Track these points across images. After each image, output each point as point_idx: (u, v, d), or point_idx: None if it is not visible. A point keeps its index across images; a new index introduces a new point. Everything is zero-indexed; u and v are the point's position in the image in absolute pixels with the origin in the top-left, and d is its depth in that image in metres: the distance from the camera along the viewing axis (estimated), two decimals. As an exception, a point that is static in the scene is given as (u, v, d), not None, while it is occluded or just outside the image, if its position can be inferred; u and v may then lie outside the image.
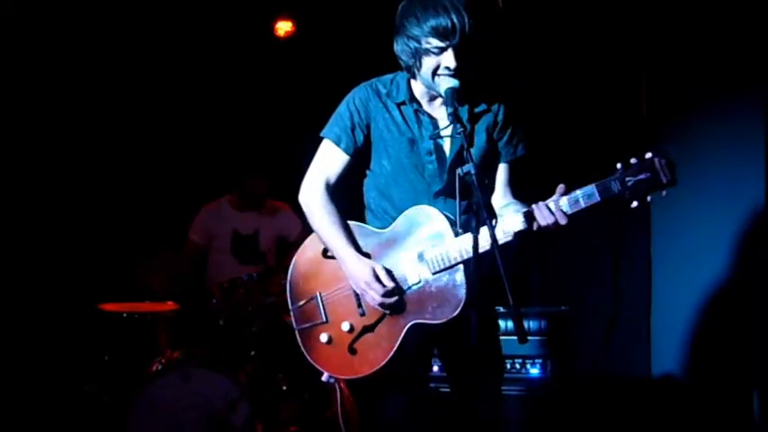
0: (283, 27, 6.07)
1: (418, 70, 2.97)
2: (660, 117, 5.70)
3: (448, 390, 3.26)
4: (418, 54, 2.92)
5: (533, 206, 2.86)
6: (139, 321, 4.94)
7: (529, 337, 4.63)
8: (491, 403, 3.15)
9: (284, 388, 4.75)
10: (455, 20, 2.84)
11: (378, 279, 2.99)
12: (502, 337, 3.35)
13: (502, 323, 4.60)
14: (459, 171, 2.77)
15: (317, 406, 4.73)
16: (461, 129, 2.81)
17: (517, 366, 4.70)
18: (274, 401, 4.70)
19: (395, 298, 3.00)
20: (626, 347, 5.71)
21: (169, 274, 5.24)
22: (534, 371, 4.71)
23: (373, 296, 3.00)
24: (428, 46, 2.88)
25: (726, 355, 5.05)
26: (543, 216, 2.82)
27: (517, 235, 2.86)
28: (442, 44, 2.87)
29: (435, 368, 3.90)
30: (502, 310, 4.57)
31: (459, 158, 2.96)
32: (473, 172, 2.69)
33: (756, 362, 4.81)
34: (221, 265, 5.39)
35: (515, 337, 2.60)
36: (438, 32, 2.85)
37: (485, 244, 2.76)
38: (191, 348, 4.78)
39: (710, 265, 5.26)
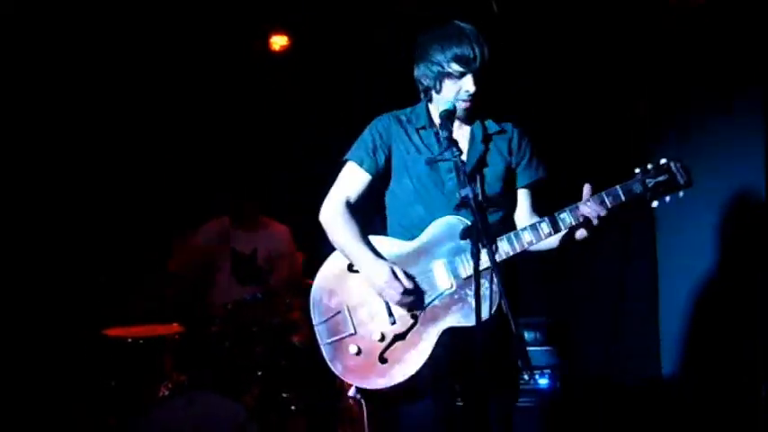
0: (278, 41, 6.04)
1: (438, 92, 3.18)
2: (659, 116, 5.68)
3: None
4: (440, 77, 3.15)
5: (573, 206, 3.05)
6: (144, 346, 4.90)
7: (537, 348, 4.71)
8: (503, 419, 3.19)
9: (292, 408, 4.73)
10: (476, 49, 3.09)
11: (396, 278, 3.05)
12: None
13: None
14: (457, 194, 2.89)
15: (325, 424, 4.72)
16: (458, 153, 2.95)
17: (526, 378, 4.68)
18: (283, 422, 4.69)
19: (413, 297, 3.07)
20: (635, 348, 5.69)
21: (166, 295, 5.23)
22: (543, 381, 4.70)
23: (392, 294, 3.06)
24: (450, 70, 3.11)
25: (735, 352, 5.03)
26: (587, 210, 3.02)
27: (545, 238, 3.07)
28: (463, 69, 3.10)
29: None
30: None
31: (473, 175, 3.14)
32: (470, 196, 2.80)
33: (766, 358, 4.78)
34: (223, 286, 5.36)
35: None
36: (460, 59, 3.09)
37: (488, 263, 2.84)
38: (196, 371, 4.77)
39: (717, 263, 5.25)
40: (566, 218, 3.05)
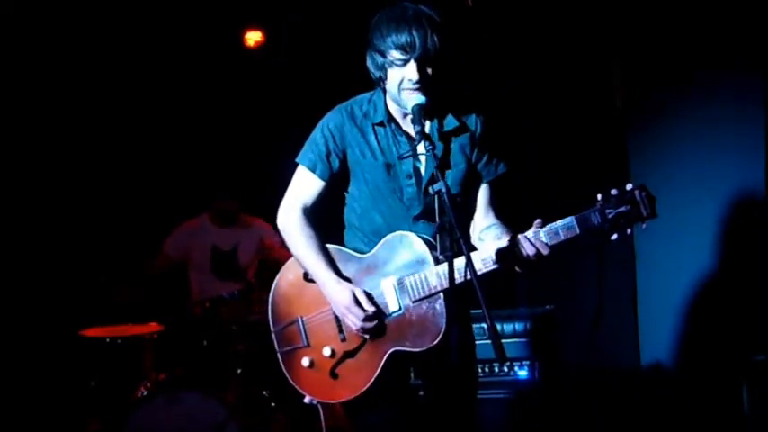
0: (253, 37, 6.01)
1: (384, 83, 2.98)
2: (636, 107, 5.69)
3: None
4: (384, 67, 2.93)
5: (510, 241, 2.83)
6: (122, 345, 4.89)
7: (516, 339, 4.71)
8: (465, 415, 3.10)
9: (273, 405, 4.72)
10: (415, 34, 2.85)
11: (358, 303, 2.97)
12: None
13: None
14: (430, 190, 2.76)
15: (306, 421, 4.71)
16: (430, 146, 2.80)
17: (505, 369, 4.67)
18: (263, 419, 4.68)
19: (374, 323, 2.98)
20: (614, 339, 5.70)
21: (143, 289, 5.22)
22: (522, 373, 4.68)
23: (353, 321, 2.98)
24: (392, 58, 2.90)
25: (714, 341, 5.06)
26: (524, 248, 2.81)
27: (495, 269, 2.86)
28: (403, 57, 2.88)
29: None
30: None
31: (433, 178, 2.92)
32: (444, 190, 2.67)
33: (745, 348, 4.81)
34: (201, 283, 5.37)
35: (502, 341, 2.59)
36: (399, 46, 2.87)
37: (462, 272, 2.76)
38: (176, 370, 4.75)
39: (694, 253, 5.27)
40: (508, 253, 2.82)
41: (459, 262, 2.78)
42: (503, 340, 2.61)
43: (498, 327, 4.67)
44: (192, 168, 5.89)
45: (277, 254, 5.19)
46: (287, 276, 3.21)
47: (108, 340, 4.91)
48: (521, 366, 4.68)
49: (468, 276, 2.59)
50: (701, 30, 5.09)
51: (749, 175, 4.92)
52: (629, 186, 2.73)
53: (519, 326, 4.72)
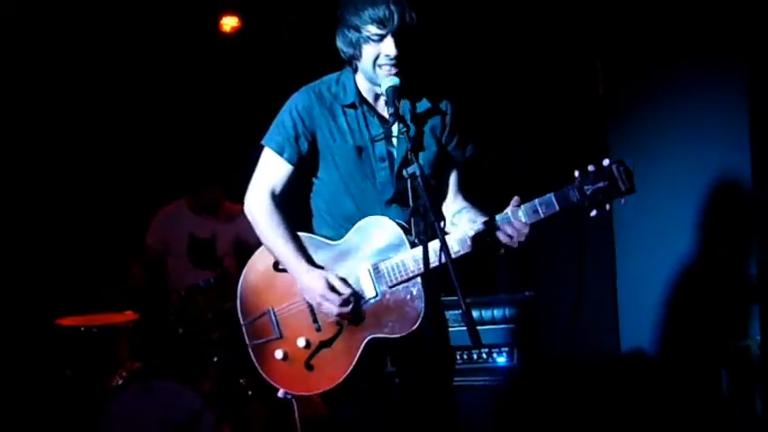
0: (229, 23, 5.96)
1: (359, 60, 2.91)
2: (618, 95, 5.67)
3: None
4: (359, 43, 2.86)
5: (487, 222, 2.79)
6: (98, 334, 4.85)
7: (495, 326, 4.69)
8: (443, 402, 3.06)
9: (249, 393, 4.69)
10: (392, 8, 2.79)
11: (332, 289, 2.90)
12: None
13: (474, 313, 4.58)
14: (404, 173, 2.71)
15: (283, 409, 4.68)
16: (405, 129, 2.76)
17: (484, 356, 4.65)
18: (240, 407, 4.65)
19: (351, 306, 2.90)
20: (594, 326, 5.70)
21: (125, 287, 5.16)
22: (501, 359, 4.67)
23: (330, 308, 2.90)
24: (368, 34, 2.82)
25: (694, 328, 5.06)
26: (502, 228, 2.78)
27: (471, 250, 2.82)
28: (380, 31, 2.81)
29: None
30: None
31: (406, 160, 2.84)
32: (418, 173, 2.62)
33: (725, 334, 4.82)
34: (178, 270, 5.32)
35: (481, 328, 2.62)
36: (376, 20, 2.80)
37: (436, 256, 2.68)
38: (151, 359, 4.72)
39: (674, 240, 5.27)
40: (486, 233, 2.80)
41: (435, 245, 2.67)
42: (482, 327, 2.59)
43: (478, 313, 4.70)
44: (173, 155, 5.82)
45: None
46: (256, 267, 3.10)
47: (83, 329, 4.87)
48: (499, 353, 4.67)
49: (444, 260, 2.54)
50: (684, 17, 5.07)
51: (731, 164, 4.90)
52: (606, 162, 2.71)
53: (498, 312, 4.71)
